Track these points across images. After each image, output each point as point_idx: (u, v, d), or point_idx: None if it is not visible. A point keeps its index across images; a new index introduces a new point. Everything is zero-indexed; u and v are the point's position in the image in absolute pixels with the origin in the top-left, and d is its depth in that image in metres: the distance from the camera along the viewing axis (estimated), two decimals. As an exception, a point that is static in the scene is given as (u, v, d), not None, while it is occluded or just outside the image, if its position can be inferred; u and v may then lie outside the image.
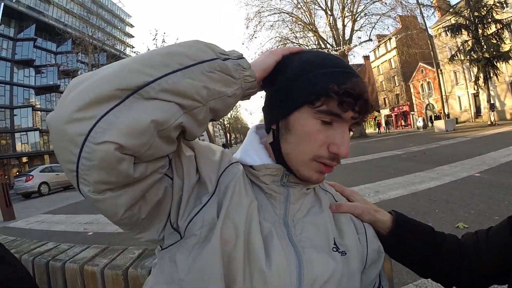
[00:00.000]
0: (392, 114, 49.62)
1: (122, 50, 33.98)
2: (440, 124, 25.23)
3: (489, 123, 24.28)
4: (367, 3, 29.71)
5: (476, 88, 26.92)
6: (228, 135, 79.87)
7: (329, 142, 0.63)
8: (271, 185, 0.68)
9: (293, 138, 0.64)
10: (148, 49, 25.35)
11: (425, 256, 0.77)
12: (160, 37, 59.26)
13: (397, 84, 48.68)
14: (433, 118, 33.28)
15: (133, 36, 56.43)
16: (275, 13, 31.25)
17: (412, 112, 44.71)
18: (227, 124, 75.06)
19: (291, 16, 31.23)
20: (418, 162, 9.03)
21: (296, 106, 0.63)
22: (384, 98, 52.68)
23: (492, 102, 24.87)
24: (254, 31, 30.66)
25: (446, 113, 31.41)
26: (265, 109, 0.73)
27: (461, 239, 0.80)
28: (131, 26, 56.23)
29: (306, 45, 33.86)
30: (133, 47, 51.37)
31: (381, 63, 51.61)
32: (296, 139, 0.64)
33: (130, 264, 1.10)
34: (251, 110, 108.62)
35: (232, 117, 77.52)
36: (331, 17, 30.62)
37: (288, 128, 0.65)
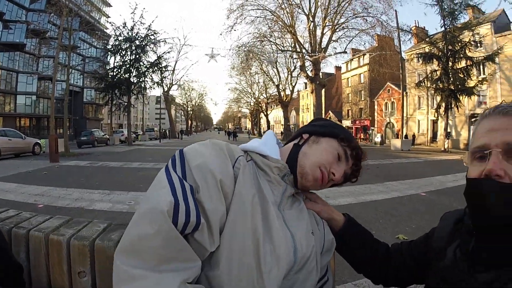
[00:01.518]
0: (353, 127, 51.25)
1: (97, 18, 32.14)
2: (396, 143, 26.65)
3: (442, 149, 25.84)
4: (349, 17, 30.07)
5: (436, 116, 28.21)
6: (189, 122, 77.96)
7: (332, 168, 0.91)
8: (276, 175, 0.86)
9: (316, 147, 0.93)
10: (125, 23, 23.62)
11: (364, 255, 1.02)
12: (139, 11, 56.72)
13: (362, 99, 50.29)
14: (409, 136, 35.07)
15: (111, 6, 53.53)
16: (258, 9, 30.90)
17: (372, 128, 46.36)
18: (190, 111, 73.35)
19: (273, 14, 31.08)
20: (370, 175, 9.42)
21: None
22: (348, 110, 54.32)
23: (448, 130, 26.46)
24: (234, 23, 30.19)
25: (405, 133, 33.12)
26: (306, 126, 1.04)
27: (390, 246, 1.04)
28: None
29: (283, 46, 33.99)
30: (108, 16, 48.91)
31: (351, 76, 53.01)
32: (318, 148, 0.92)
33: (96, 236, 1.12)
34: (217, 100, 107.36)
35: (197, 104, 76.00)
36: (312, 23, 30.59)
37: (317, 141, 0.94)
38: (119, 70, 28.07)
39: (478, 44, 26.94)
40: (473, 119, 29.26)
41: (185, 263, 0.67)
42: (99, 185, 7.60)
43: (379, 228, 4.57)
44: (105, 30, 35.17)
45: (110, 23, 28.82)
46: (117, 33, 27.90)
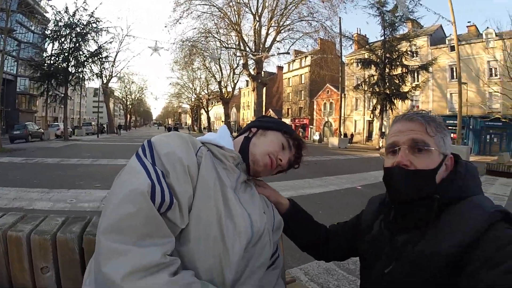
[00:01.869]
0: (293, 124, 52.88)
1: (37, 0, 29.13)
2: (334, 141, 28.18)
3: (377, 147, 28.13)
4: (295, 19, 30.72)
5: (371, 117, 30.50)
6: (128, 116, 73.65)
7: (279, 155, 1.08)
8: (231, 163, 0.99)
9: (264, 139, 1.08)
10: (66, 7, 21.46)
11: (306, 236, 1.22)
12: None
13: (302, 98, 52.12)
14: (348, 135, 37.19)
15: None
16: (205, 4, 30.23)
17: (311, 126, 48.56)
18: (130, 105, 69.23)
19: (220, 11, 30.71)
20: (309, 171, 9.92)
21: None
22: (288, 109, 55.94)
23: (383, 130, 28.70)
24: (180, 17, 29.28)
25: (343, 132, 35.16)
26: (253, 122, 1.21)
27: (328, 227, 1.28)
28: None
29: (227, 43, 33.76)
30: (49, -1, 44.69)
31: (293, 76, 54.58)
32: (266, 140, 1.08)
33: (57, 229, 1.12)
34: (157, 95, 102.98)
35: (137, 98, 72.09)
36: (258, 23, 30.64)
37: (264, 134, 1.10)
38: (57, 59, 25.71)
39: (414, 54, 29.70)
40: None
41: (162, 239, 0.76)
42: (37, 183, 7.09)
43: (318, 218, 4.89)
44: (45, 14, 31.84)
45: (50, 6, 26.45)
46: (58, 18, 25.45)
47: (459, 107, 20.33)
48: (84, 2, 25.57)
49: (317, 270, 3.16)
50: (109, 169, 9.32)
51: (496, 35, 26.96)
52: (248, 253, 0.87)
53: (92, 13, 26.41)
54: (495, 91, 25.37)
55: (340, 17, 28.35)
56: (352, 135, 38.23)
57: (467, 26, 32.99)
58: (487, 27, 28.50)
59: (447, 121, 25.08)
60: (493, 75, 28.04)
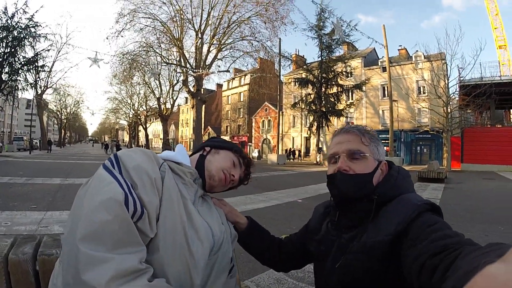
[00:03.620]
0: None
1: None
2: (273, 157, 28.97)
3: (315, 162, 29.62)
4: (236, 38, 31.44)
5: (309, 133, 31.68)
6: (63, 132, 66.88)
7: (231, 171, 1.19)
8: (189, 179, 1.06)
9: (217, 156, 1.18)
10: (5, 8, 20.43)
11: (264, 250, 1.33)
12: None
13: (241, 116, 52.87)
14: (290, 152, 38.13)
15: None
16: (149, 18, 29.58)
17: (250, 143, 49.09)
18: (64, 120, 63.78)
19: (163, 26, 30.28)
20: (250, 187, 10.18)
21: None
22: (227, 126, 56.08)
23: (320, 146, 30.27)
24: (123, 29, 28.28)
25: (291, 148, 36.33)
26: (206, 142, 1.31)
27: (283, 239, 1.40)
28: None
29: (168, 59, 33.27)
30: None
31: (232, 94, 55.23)
32: (219, 157, 1.18)
33: (8, 251, 1.06)
34: (94, 110, 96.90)
35: (72, 113, 67.31)
36: (200, 40, 30.79)
37: (217, 152, 1.20)
38: (-11, 64, 22.93)
39: (349, 74, 32.24)
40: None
41: (136, 247, 0.80)
42: (-34, 205, 6.30)
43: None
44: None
45: (-14, 6, 24.10)
46: (-6, 19, 22.94)
47: (390, 122, 22.58)
48: (24, 4, 23.72)
49: (267, 281, 3.26)
50: (45, 189, 8.62)
51: (424, 57, 29.47)
52: (211, 260, 0.95)
53: (32, 16, 24.65)
54: (423, 107, 28.07)
55: (280, 38, 29.86)
56: (296, 151, 38.87)
57: (398, 49, 36.92)
58: (417, 50, 31.82)
59: (380, 135, 26.96)
60: (421, 93, 31.36)
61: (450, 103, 24.04)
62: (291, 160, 35.73)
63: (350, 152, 1.01)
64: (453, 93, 24.63)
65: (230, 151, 1.22)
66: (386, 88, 29.91)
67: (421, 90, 31.64)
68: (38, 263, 1.05)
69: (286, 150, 39.23)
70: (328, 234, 1.08)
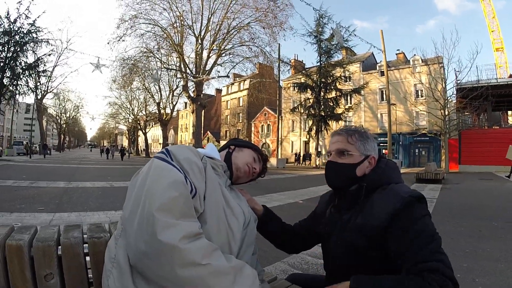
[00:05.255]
0: (231, 147, 53.17)
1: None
2: (272, 161, 28.80)
3: (314, 166, 29.67)
4: (236, 44, 31.52)
5: (308, 137, 31.91)
6: (62, 136, 67.15)
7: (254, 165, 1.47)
8: (221, 170, 1.30)
9: (242, 153, 1.45)
10: (8, 13, 20.37)
11: (278, 234, 1.59)
12: (27, 2, 46.95)
13: (240, 121, 53.25)
14: (301, 156, 38.26)
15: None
16: (150, 24, 29.71)
17: (250, 148, 49.13)
18: (64, 125, 63.73)
19: (164, 31, 30.43)
20: (252, 189, 10.22)
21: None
22: (226, 131, 56.40)
23: (319, 150, 30.46)
24: (124, 34, 28.42)
25: (302, 153, 36.80)
26: (231, 142, 1.56)
27: (293, 225, 1.65)
28: None
29: (168, 64, 33.40)
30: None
31: (231, 99, 55.56)
32: (243, 154, 1.45)
33: (58, 236, 1.17)
34: (94, 114, 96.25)
35: (72, 117, 67.18)
36: (200, 46, 31.16)
37: (241, 150, 1.47)
38: (-9, 68, 23.04)
39: (348, 79, 32.56)
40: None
41: (195, 218, 1.00)
42: (-26, 208, 6.39)
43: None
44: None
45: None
46: (-3, 24, 23.14)
47: (388, 126, 22.76)
48: (27, 9, 23.89)
49: (274, 272, 3.34)
50: (50, 192, 8.73)
51: (422, 61, 29.73)
52: (244, 232, 1.17)
53: (34, 21, 24.83)
54: (421, 110, 28.52)
55: (279, 44, 30.09)
56: (307, 155, 38.28)
57: (396, 54, 37.42)
58: (414, 54, 32.13)
59: (379, 139, 27.66)
60: (419, 96, 31.85)
61: (448, 106, 24.25)
62: (304, 164, 35.73)
63: (338, 151, 1.32)
64: (451, 96, 24.83)
65: (251, 149, 1.49)
66: (384, 92, 30.05)
67: (419, 93, 32.04)
68: (89, 245, 1.19)
69: (296, 154, 39.51)
70: (332, 216, 1.36)
